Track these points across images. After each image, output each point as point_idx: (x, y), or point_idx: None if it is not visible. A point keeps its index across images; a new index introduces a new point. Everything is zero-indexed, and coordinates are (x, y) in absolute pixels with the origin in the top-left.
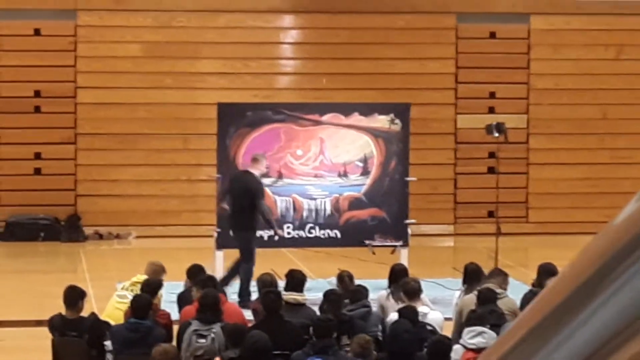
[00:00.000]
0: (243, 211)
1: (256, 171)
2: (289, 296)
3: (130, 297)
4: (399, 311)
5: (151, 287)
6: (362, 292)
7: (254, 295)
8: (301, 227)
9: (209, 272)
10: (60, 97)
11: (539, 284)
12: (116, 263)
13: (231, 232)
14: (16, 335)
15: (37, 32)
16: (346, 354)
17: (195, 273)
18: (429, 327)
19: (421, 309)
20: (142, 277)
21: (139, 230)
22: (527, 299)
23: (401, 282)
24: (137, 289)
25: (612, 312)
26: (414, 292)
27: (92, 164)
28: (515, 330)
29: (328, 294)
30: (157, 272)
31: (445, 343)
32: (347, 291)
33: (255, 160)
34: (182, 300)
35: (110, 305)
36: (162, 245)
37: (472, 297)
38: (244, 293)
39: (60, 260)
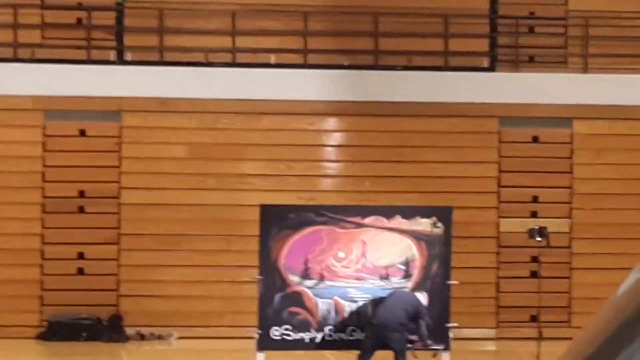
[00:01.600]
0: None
1: None
2: None
3: None
4: None
5: None
6: None
7: None
8: (342, 329)
9: None
10: (104, 197)
11: None
12: None
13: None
14: None
15: (82, 132)
16: None
17: None
18: None
19: None
20: None
21: (181, 331)
22: None
23: None
24: None
25: None
26: None
27: (135, 264)
28: (579, 345)
29: None
30: None
31: None
32: None
33: None
34: None
35: None
36: (204, 347)
37: None
38: None
39: None
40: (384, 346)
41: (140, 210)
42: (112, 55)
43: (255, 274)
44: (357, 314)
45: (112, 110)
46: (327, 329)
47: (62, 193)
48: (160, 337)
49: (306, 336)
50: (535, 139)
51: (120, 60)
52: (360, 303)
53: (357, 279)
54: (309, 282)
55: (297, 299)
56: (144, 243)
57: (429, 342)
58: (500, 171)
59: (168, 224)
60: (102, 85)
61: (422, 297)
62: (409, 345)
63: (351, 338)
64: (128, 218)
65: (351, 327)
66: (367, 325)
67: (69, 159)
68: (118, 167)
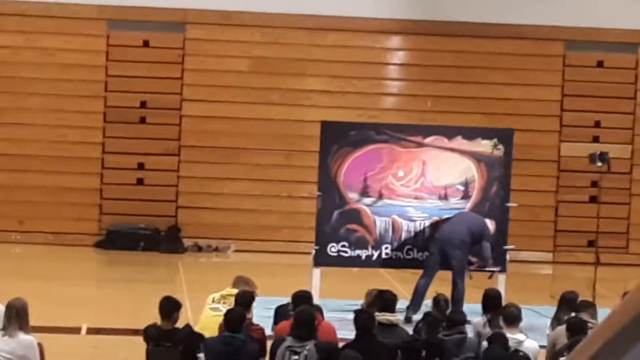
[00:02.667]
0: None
1: None
2: (382, 316)
3: (223, 309)
4: (489, 339)
5: (245, 299)
6: (460, 317)
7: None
8: (400, 248)
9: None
10: (165, 108)
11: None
12: (214, 276)
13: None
14: (112, 342)
15: (145, 43)
16: None
17: (300, 299)
18: (522, 355)
19: (517, 336)
20: (233, 290)
21: (238, 244)
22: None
23: (502, 307)
24: (229, 302)
25: None
26: (514, 318)
27: (195, 176)
28: (603, 330)
29: (425, 317)
30: (249, 285)
31: None
32: (444, 315)
33: None
34: (279, 314)
35: (204, 317)
36: (260, 260)
37: (564, 327)
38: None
39: (158, 270)
40: (446, 263)
41: (201, 122)
42: None
43: (314, 190)
44: (416, 233)
45: (175, 21)
46: (384, 247)
47: (124, 103)
48: (217, 249)
49: (363, 254)
50: (600, 64)
51: None
52: (421, 222)
53: (416, 198)
54: (367, 200)
55: (355, 216)
56: (204, 155)
57: (490, 265)
58: (564, 95)
59: (228, 137)
60: None
61: (490, 223)
62: (469, 266)
63: (408, 257)
64: (189, 130)
65: (408, 246)
66: (430, 241)
67: (131, 69)
68: (180, 78)
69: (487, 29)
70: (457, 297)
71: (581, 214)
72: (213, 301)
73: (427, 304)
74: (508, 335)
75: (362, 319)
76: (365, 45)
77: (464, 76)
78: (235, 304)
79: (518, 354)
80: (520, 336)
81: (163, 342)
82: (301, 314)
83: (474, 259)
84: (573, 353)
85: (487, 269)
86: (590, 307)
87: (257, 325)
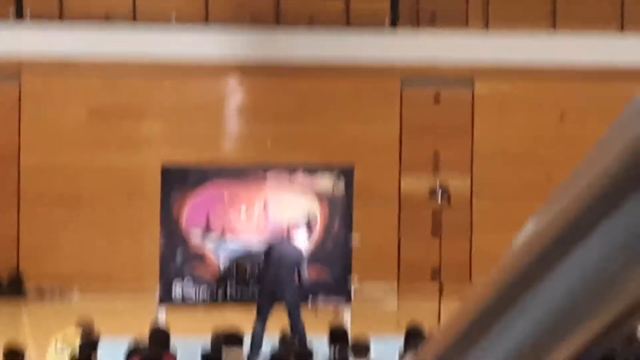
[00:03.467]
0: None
1: None
2: (230, 353)
3: (67, 351)
4: None
5: (90, 336)
6: (306, 353)
7: None
8: (244, 285)
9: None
10: (3, 158)
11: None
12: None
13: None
14: None
15: None
16: None
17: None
18: None
19: None
20: (74, 329)
21: (83, 288)
22: None
23: (352, 340)
24: (73, 341)
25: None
26: (362, 349)
27: (37, 225)
28: (446, 333)
29: (271, 356)
30: (90, 326)
31: None
32: (291, 352)
33: None
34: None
35: None
36: (105, 305)
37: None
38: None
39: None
40: (277, 303)
41: (41, 172)
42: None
43: (156, 231)
44: (252, 270)
45: (11, 72)
46: (228, 284)
47: None
48: (61, 294)
49: (207, 291)
50: (437, 99)
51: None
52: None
53: (259, 235)
54: (211, 238)
55: (199, 254)
56: (46, 204)
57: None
58: (402, 130)
59: (68, 185)
60: None
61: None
62: (307, 300)
63: (252, 293)
64: (28, 179)
65: (251, 282)
66: (259, 284)
67: None
68: (17, 128)
69: (324, 68)
70: (299, 333)
71: (424, 248)
72: (56, 343)
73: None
74: None
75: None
76: (203, 87)
77: (303, 114)
78: (82, 341)
79: None
80: None
81: None
82: (150, 352)
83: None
84: (420, 352)
85: (330, 300)
86: None
87: None
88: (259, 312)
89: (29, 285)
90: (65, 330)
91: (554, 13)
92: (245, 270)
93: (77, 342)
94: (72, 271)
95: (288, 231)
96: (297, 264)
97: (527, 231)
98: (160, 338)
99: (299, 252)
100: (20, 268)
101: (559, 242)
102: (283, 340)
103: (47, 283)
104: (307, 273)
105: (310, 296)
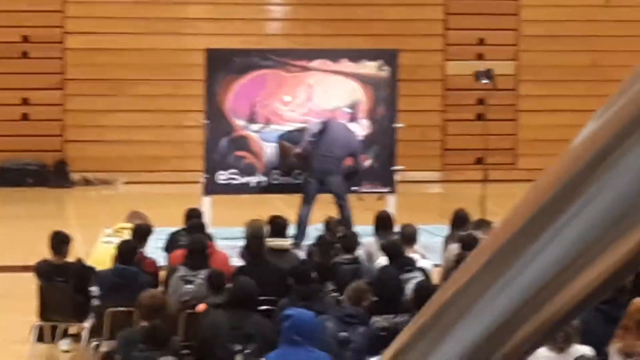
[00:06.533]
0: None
1: None
2: (273, 242)
3: (116, 242)
4: (387, 252)
5: (141, 233)
6: (353, 239)
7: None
8: (288, 173)
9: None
10: (48, 42)
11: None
12: (103, 209)
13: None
14: (2, 280)
15: None
16: (331, 299)
17: (191, 216)
18: (417, 274)
19: (412, 256)
20: (126, 224)
21: (127, 176)
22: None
23: (401, 227)
24: (123, 235)
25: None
26: (410, 237)
27: (80, 110)
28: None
29: (317, 240)
30: (143, 219)
31: (430, 288)
32: (337, 237)
33: None
34: (173, 240)
35: (97, 250)
36: (150, 191)
37: (457, 245)
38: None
39: (47, 205)
40: (324, 189)
41: (85, 55)
42: None
43: (200, 118)
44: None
45: None
46: (273, 172)
47: (4, 38)
48: (106, 182)
49: (252, 180)
50: None
51: None
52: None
53: (303, 122)
54: (255, 127)
55: (243, 143)
56: (90, 89)
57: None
58: (447, 14)
59: (114, 69)
60: None
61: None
62: (353, 188)
63: (296, 182)
64: (73, 63)
65: (297, 171)
66: (306, 169)
67: (11, 3)
68: (61, 11)
69: None
70: (345, 219)
71: (468, 132)
72: (108, 235)
73: (317, 228)
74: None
75: (254, 244)
76: None
77: None
78: (132, 236)
79: (412, 272)
80: (415, 256)
81: (55, 277)
82: (193, 243)
83: (363, 183)
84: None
85: (375, 190)
86: (485, 225)
87: (150, 258)
88: (305, 196)
89: (74, 170)
90: (117, 226)
91: None
92: (290, 150)
93: (126, 234)
94: (117, 157)
95: (333, 118)
96: (351, 148)
97: (586, 131)
98: (198, 227)
99: (355, 137)
100: (66, 154)
101: (618, 137)
102: (328, 225)
103: (92, 168)
104: (361, 159)
105: (358, 183)
